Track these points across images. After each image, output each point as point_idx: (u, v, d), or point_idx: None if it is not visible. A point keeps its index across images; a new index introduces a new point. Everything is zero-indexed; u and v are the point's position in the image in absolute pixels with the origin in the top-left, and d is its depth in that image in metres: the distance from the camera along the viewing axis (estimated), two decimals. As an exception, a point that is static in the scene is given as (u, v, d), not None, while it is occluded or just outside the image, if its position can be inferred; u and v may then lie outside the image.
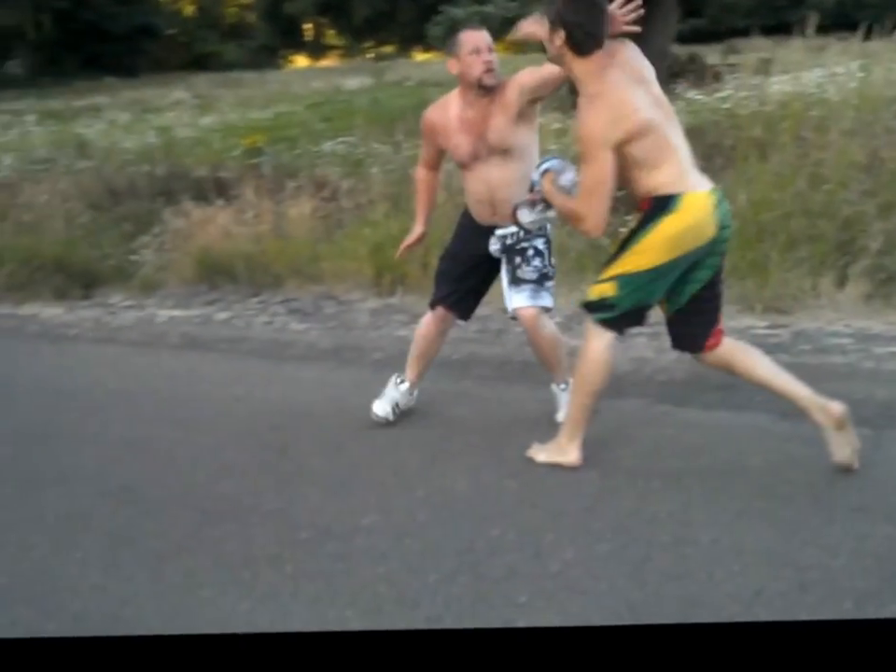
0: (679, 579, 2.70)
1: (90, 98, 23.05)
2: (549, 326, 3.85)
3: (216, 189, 9.05)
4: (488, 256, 3.84)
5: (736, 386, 4.06)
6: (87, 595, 2.93)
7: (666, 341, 4.54)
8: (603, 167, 3.12)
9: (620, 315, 3.33)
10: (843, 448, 3.22)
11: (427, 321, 4.01)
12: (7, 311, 7.30)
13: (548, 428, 3.67)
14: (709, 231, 3.20)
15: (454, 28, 15.18)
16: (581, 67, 3.19)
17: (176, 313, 6.65)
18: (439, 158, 4.03)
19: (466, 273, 3.92)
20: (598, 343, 3.37)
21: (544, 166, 3.48)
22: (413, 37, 16.93)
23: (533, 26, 3.41)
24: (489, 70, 3.67)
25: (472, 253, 3.88)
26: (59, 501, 3.61)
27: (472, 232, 3.88)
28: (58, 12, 31.09)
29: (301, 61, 34.53)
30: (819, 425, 3.24)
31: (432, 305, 4.00)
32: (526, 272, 3.75)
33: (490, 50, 3.71)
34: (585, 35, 3.16)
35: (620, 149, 3.12)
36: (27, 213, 9.56)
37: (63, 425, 4.43)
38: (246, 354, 5.43)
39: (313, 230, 7.52)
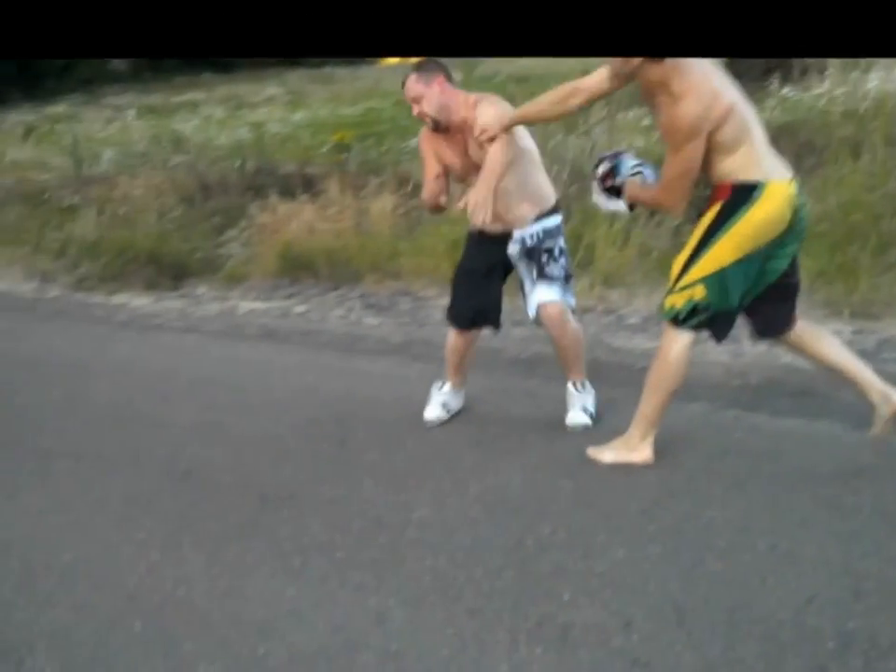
0: (729, 584, 2.65)
1: (187, 94, 23.58)
2: (574, 322, 3.87)
3: (302, 185, 9.19)
4: (501, 262, 3.86)
5: (811, 393, 3.99)
6: (143, 574, 2.99)
7: (744, 344, 4.53)
8: (692, 155, 3.11)
9: (713, 316, 3.29)
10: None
11: (456, 339, 3.99)
12: (100, 300, 7.53)
13: (609, 430, 3.64)
14: (787, 220, 3.17)
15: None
16: (659, 71, 3.14)
17: (257, 305, 6.77)
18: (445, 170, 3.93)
19: (486, 286, 3.93)
20: (678, 343, 3.33)
21: (628, 164, 3.46)
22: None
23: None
24: (424, 119, 3.74)
25: (487, 263, 3.89)
26: (128, 482, 3.71)
27: (483, 243, 3.87)
28: (161, 10, 31.76)
29: (392, 58, 34.77)
30: (874, 407, 3.38)
31: (459, 327, 3.97)
32: (554, 269, 3.78)
33: (416, 101, 3.74)
34: None
35: (707, 137, 3.10)
36: (123, 206, 9.84)
37: (138, 409, 4.55)
38: (320, 346, 5.50)
39: (394, 226, 7.59)
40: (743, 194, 3.16)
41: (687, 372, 3.35)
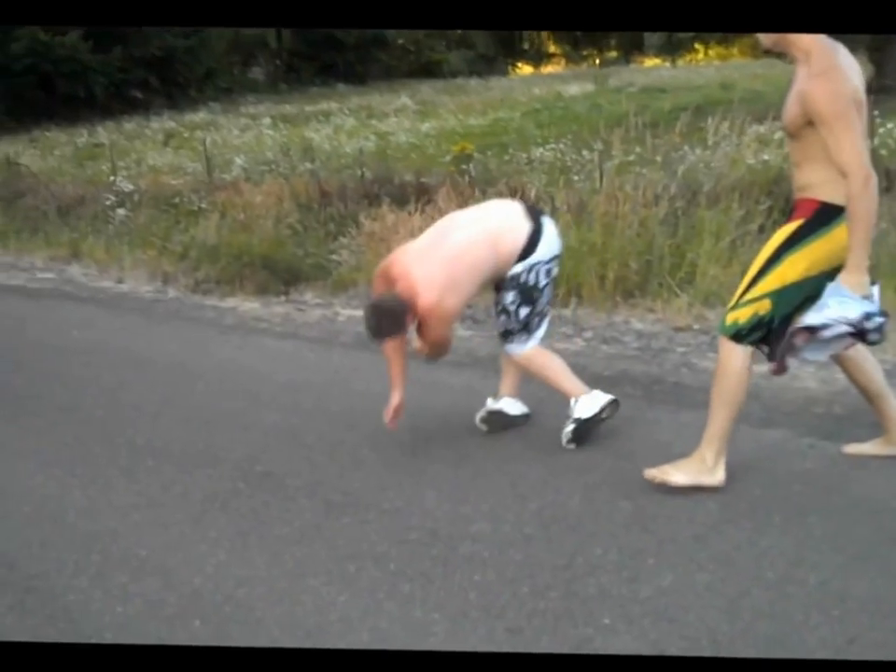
0: (772, 617, 2.60)
1: (321, 104, 24.18)
2: (538, 356, 4.03)
3: (416, 194, 9.34)
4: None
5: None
6: (209, 573, 3.11)
7: (836, 371, 4.40)
8: (852, 124, 2.99)
9: (774, 332, 3.24)
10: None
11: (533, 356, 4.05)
12: (213, 303, 7.79)
13: (678, 453, 3.60)
14: None
15: (671, 36, 14.94)
16: (810, 42, 3.08)
17: (357, 313, 6.89)
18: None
19: None
20: (737, 356, 3.28)
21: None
22: (634, 44, 16.85)
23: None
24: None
25: None
26: (208, 481, 3.85)
27: None
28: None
29: (525, 68, 34.89)
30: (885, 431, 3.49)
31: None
32: (513, 324, 3.96)
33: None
34: None
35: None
36: (244, 212, 10.16)
37: (228, 410, 4.72)
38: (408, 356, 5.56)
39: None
40: (826, 215, 3.10)
41: (749, 385, 3.32)
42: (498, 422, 4.15)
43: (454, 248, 3.77)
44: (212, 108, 25.54)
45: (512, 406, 4.20)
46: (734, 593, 2.73)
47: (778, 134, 8.73)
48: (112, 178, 13.66)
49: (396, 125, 18.76)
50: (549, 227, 3.90)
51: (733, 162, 7.60)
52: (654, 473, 3.42)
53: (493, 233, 3.81)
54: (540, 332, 4.00)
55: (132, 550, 3.30)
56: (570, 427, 3.86)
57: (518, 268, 3.81)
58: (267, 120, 21.53)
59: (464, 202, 8.30)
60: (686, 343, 5.39)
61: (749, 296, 3.23)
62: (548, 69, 32.47)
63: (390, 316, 3.77)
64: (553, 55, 31.04)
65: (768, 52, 3.33)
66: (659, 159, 7.99)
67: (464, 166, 10.87)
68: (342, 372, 5.31)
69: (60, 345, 6.29)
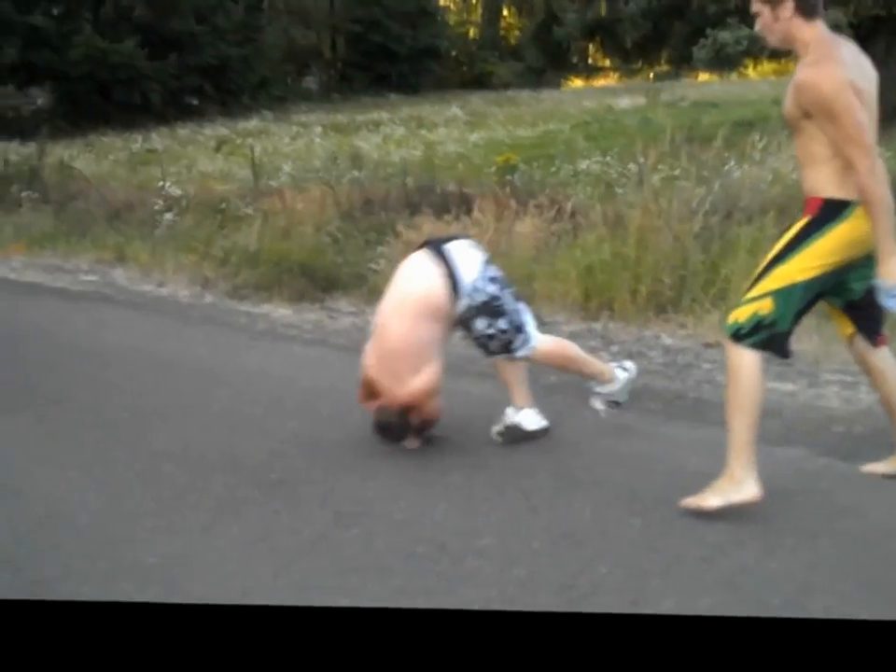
0: (773, 645, 2.53)
1: (372, 113, 24.32)
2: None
3: (457, 204, 9.32)
4: None
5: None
6: (214, 583, 3.10)
7: (861, 391, 4.31)
8: (852, 106, 2.93)
9: (779, 334, 3.16)
10: None
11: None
12: (247, 308, 7.84)
13: (692, 470, 3.53)
14: (870, 244, 3.04)
15: (720, 51, 14.84)
16: (810, 32, 3.07)
17: (388, 321, 6.89)
18: None
19: None
20: (746, 361, 3.19)
21: None
22: (684, 59, 16.69)
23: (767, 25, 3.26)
24: None
25: None
26: (223, 488, 3.84)
27: None
28: (352, 34, 33.16)
29: (577, 81, 34.85)
30: None
31: None
32: (494, 344, 4.06)
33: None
34: None
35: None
36: (286, 218, 10.22)
37: (249, 416, 4.71)
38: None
39: (533, 248, 7.59)
40: (832, 211, 3.05)
41: (764, 390, 3.25)
42: (514, 435, 4.11)
43: (395, 339, 3.91)
44: (264, 116, 25.82)
45: (531, 420, 4.15)
46: (737, 618, 2.66)
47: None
48: (161, 183, 13.86)
49: (445, 135, 18.79)
50: (457, 250, 3.90)
51: (774, 178, 7.49)
52: (690, 501, 3.29)
53: (417, 301, 3.87)
54: (530, 320, 4.01)
55: (140, 557, 3.29)
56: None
57: (462, 304, 3.85)
58: (318, 129, 21.70)
59: (501, 212, 8.30)
60: (713, 360, 5.30)
61: (750, 294, 3.17)
62: (601, 82, 32.40)
63: (398, 427, 3.97)
64: (602, 69, 30.95)
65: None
66: (706, 173, 7.91)
67: (508, 177, 10.86)
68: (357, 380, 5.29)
69: (92, 348, 6.35)
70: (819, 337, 4.94)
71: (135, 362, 5.93)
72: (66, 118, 25.34)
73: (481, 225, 8.06)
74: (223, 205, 11.84)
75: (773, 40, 3.19)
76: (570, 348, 4.15)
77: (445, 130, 20.10)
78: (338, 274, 8.52)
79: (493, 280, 3.90)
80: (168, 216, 11.87)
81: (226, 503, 3.71)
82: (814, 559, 2.95)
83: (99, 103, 26.68)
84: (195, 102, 28.52)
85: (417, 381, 3.83)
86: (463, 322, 3.96)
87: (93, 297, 8.67)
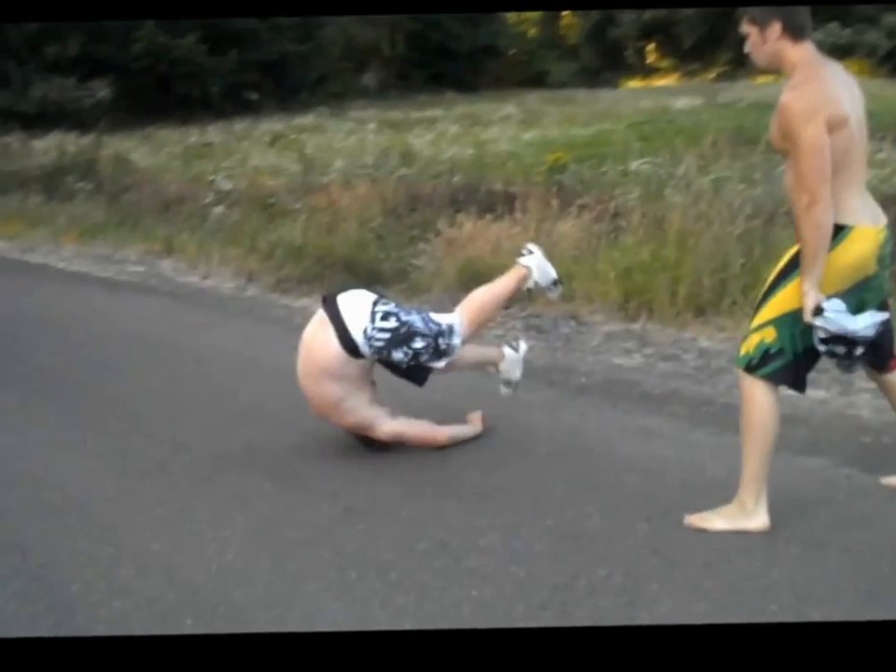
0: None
1: (428, 111, 24.29)
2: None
3: (503, 203, 9.27)
4: None
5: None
6: (212, 572, 3.09)
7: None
8: (815, 142, 2.85)
9: (790, 363, 3.07)
10: None
11: None
12: (286, 302, 7.89)
13: (710, 476, 3.47)
14: (869, 269, 2.98)
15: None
16: (798, 53, 2.98)
17: (422, 318, 6.88)
18: None
19: None
20: (758, 392, 3.10)
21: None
22: (741, 60, 16.43)
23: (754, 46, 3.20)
24: None
25: None
26: (236, 480, 3.85)
27: None
28: (411, 32, 33.23)
29: (634, 81, 34.59)
30: None
31: None
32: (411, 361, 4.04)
33: None
34: (800, 17, 2.99)
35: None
36: (332, 214, 10.26)
37: (272, 410, 4.72)
38: (462, 364, 5.52)
39: (576, 248, 7.53)
40: None
41: (778, 421, 3.13)
42: (515, 383, 4.28)
43: (315, 401, 4.00)
44: (320, 112, 25.92)
45: (513, 361, 4.28)
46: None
47: (881, 154, 8.40)
48: (212, 177, 14.00)
49: (498, 133, 18.72)
50: (345, 303, 3.92)
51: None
52: (694, 519, 3.23)
53: (318, 366, 3.91)
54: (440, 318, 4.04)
55: (145, 544, 3.31)
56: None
57: (367, 353, 3.87)
58: (372, 125, 21.73)
59: (545, 212, 8.24)
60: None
61: (753, 324, 3.10)
62: (659, 83, 32.08)
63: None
64: (660, 69, 30.67)
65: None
66: (757, 175, 7.80)
67: (557, 176, 10.79)
68: (388, 377, 5.28)
69: (128, 338, 6.43)
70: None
71: (170, 353, 5.99)
72: (126, 110, 25.68)
73: (522, 224, 8.02)
74: (272, 200, 11.92)
75: (761, 62, 3.10)
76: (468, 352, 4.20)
77: (499, 128, 20.02)
78: (380, 270, 8.53)
79: (387, 317, 3.86)
80: (218, 209, 12.00)
81: (236, 494, 3.72)
82: (818, 569, 2.87)
83: (158, 96, 27.02)
84: (254, 97, 28.74)
85: (378, 432, 3.96)
86: (384, 362, 3.99)
87: (138, 287, 8.79)
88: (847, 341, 2.89)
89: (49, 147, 18.60)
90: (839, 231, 2.93)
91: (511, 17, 36.05)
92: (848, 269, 2.96)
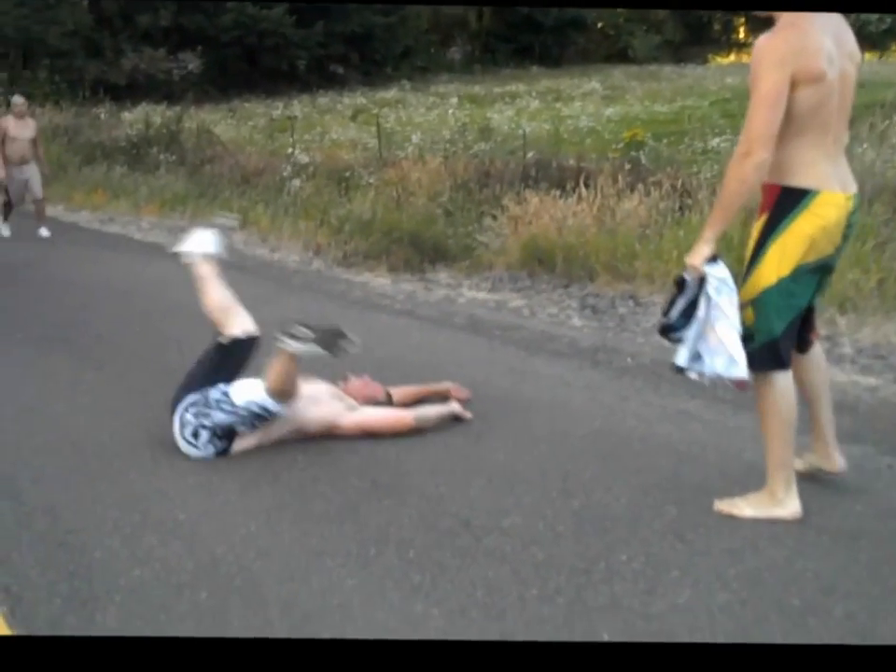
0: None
1: (510, 85, 24.10)
2: None
3: (574, 179, 9.13)
4: None
5: None
6: (233, 543, 3.07)
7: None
8: (771, 92, 2.71)
9: (773, 342, 2.93)
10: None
11: None
12: (348, 277, 7.91)
13: (746, 461, 3.37)
14: (837, 239, 2.84)
15: (861, 29, 13.98)
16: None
17: (480, 295, 6.83)
18: None
19: None
20: (769, 383, 2.98)
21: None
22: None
23: None
24: None
25: None
26: (268, 451, 3.81)
27: None
28: (498, 5, 32.96)
29: (723, 57, 33.69)
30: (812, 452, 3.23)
31: None
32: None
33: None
34: None
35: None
36: (403, 188, 10.25)
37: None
38: (509, 342, 5.45)
39: (641, 227, 7.39)
40: (790, 200, 2.81)
41: (794, 401, 3.02)
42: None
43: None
44: (403, 86, 25.93)
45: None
46: (750, 617, 2.49)
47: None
48: (290, 151, 14.10)
49: (579, 109, 18.48)
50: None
51: (890, 161, 7.08)
52: (723, 506, 3.13)
53: None
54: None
55: (172, 513, 3.32)
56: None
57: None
58: (454, 100, 21.65)
59: (614, 189, 8.08)
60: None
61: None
62: (749, 59, 30.99)
63: None
64: (748, 45, 29.70)
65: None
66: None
67: (633, 153, 10.60)
68: (434, 353, 5.25)
69: (186, 310, 6.47)
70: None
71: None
72: (214, 83, 26.01)
73: (587, 201, 7.89)
74: (347, 174, 11.95)
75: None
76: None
77: (581, 104, 19.77)
78: (446, 246, 8.49)
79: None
80: (294, 182, 12.08)
81: (266, 466, 3.71)
82: (847, 561, 2.75)
83: (246, 69, 27.27)
84: (340, 70, 28.83)
85: (342, 428, 3.95)
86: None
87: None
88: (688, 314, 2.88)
89: (136, 118, 18.96)
90: (803, 195, 2.79)
91: (601, -12, 35.40)
92: (815, 238, 2.82)
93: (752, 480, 3.18)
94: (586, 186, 8.46)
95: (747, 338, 2.91)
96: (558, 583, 2.73)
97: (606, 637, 2.46)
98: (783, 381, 2.97)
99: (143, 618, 2.67)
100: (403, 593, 2.75)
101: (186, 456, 3.81)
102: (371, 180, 11.26)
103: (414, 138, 14.34)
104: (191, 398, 3.86)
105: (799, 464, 3.22)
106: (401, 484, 3.49)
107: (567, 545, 2.96)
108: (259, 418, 3.80)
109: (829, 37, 2.81)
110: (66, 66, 24.80)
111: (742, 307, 2.92)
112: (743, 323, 2.90)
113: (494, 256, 7.95)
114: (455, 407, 4.09)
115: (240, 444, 3.84)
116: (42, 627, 2.62)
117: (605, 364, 4.81)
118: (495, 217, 8.69)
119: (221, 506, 3.39)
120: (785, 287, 2.87)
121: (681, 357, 2.96)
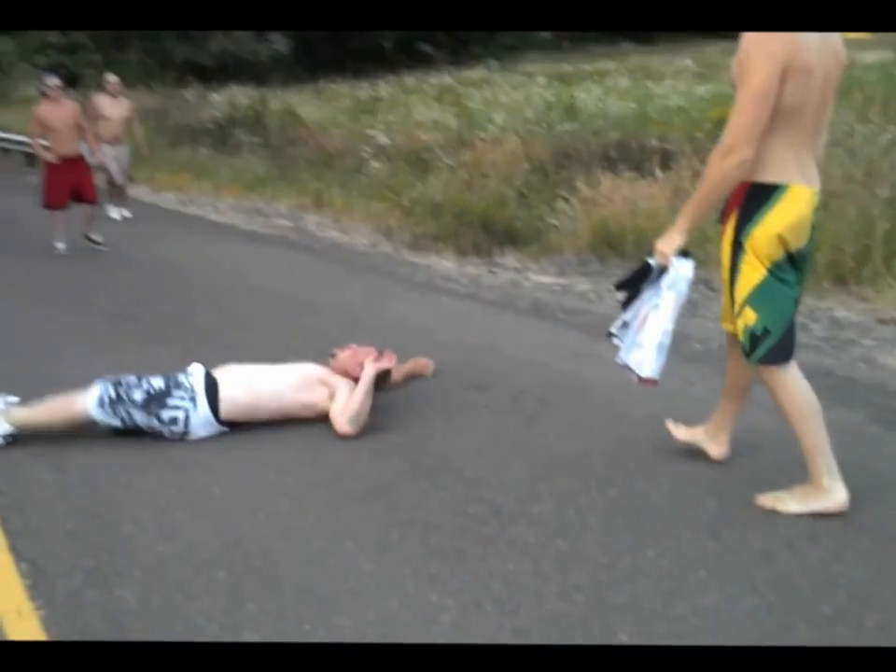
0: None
1: (600, 63, 23.67)
2: None
3: (654, 161, 8.91)
4: None
5: None
6: (259, 521, 3.05)
7: None
8: (762, 88, 2.63)
9: (780, 341, 2.86)
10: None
11: None
12: (415, 259, 7.85)
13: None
14: (806, 234, 2.78)
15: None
16: None
17: (546, 279, 6.71)
18: None
19: None
20: (778, 374, 2.90)
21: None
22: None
23: None
24: None
25: None
26: (312, 429, 3.79)
27: None
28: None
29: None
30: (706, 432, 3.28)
31: None
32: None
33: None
34: None
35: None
36: (478, 170, 10.13)
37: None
38: (571, 326, 5.34)
39: (716, 210, 7.18)
40: (760, 196, 2.75)
41: (809, 389, 2.94)
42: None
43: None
44: (490, 65, 25.69)
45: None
46: (775, 625, 2.36)
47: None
48: (371, 132, 14.07)
49: (670, 87, 18.03)
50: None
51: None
52: (765, 500, 3.01)
53: None
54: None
55: (208, 488, 3.30)
56: None
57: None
58: (541, 79, 21.34)
59: (689, 169, 7.85)
60: (880, 338, 4.85)
61: (735, 311, 2.89)
62: (851, 36, 30.01)
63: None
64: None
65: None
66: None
67: (719, 132, 10.29)
68: (495, 336, 5.17)
69: (252, 290, 6.54)
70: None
71: (290, 306, 6.04)
72: (301, 64, 26.17)
73: (660, 184, 7.70)
74: (425, 155, 11.87)
75: None
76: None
77: (672, 82, 19.27)
78: (517, 229, 8.38)
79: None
80: (373, 164, 12.05)
81: (307, 444, 3.68)
82: (884, 566, 2.59)
83: (333, 50, 27.39)
84: (427, 49, 28.75)
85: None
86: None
87: (278, 241, 8.94)
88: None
89: (223, 100, 19.15)
90: (774, 189, 2.72)
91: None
92: (789, 231, 2.74)
93: (806, 473, 3.02)
94: (667, 167, 8.26)
95: (762, 337, 2.84)
96: (578, 579, 2.63)
97: (623, 640, 2.36)
98: (792, 372, 2.90)
99: (160, 595, 2.64)
100: (419, 581, 2.68)
101: (233, 432, 3.79)
102: (449, 161, 11.15)
103: (497, 118, 14.14)
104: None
105: (683, 433, 3.33)
106: (441, 466, 3.42)
107: (594, 537, 2.85)
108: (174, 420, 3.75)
109: (817, 34, 2.71)
110: (156, 49, 25.20)
111: (741, 311, 2.86)
112: (746, 327, 2.86)
113: (563, 239, 7.82)
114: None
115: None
116: (62, 601, 2.62)
117: (672, 348, 4.65)
118: (567, 200, 8.53)
119: (257, 482, 3.36)
120: (775, 277, 2.80)
121: (616, 326, 3.16)
